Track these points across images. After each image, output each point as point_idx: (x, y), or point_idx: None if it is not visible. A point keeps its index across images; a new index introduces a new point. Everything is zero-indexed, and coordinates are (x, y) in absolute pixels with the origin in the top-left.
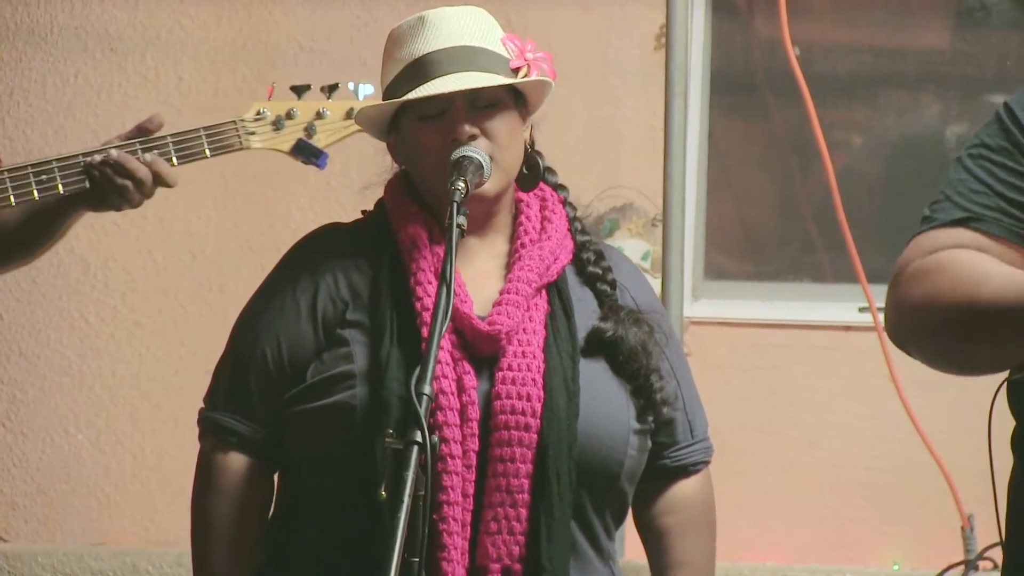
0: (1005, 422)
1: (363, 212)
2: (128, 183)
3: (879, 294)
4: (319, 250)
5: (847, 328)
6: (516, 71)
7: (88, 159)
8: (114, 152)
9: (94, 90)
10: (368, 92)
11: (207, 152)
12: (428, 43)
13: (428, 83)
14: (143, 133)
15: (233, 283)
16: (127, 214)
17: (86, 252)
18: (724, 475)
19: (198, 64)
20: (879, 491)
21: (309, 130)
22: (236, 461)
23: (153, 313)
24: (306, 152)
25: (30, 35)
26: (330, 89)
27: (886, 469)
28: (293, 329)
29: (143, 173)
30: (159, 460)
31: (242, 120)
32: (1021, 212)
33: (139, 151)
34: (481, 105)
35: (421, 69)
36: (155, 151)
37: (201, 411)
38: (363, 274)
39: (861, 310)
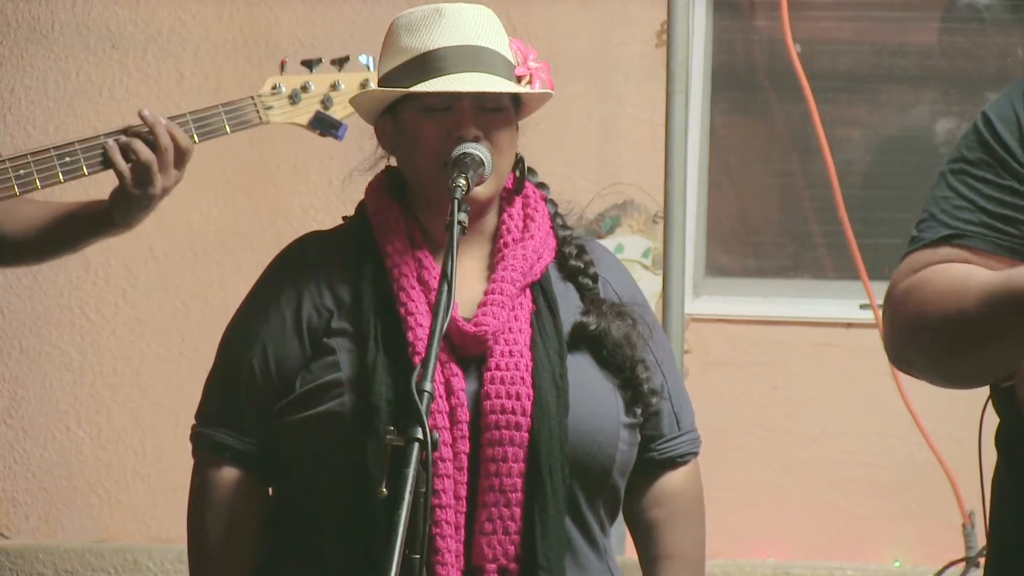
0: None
1: (344, 218)
2: (151, 160)
3: (880, 291)
4: (301, 260)
5: (848, 325)
6: (519, 79)
7: (110, 137)
8: (145, 111)
9: (95, 87)
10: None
11: (227, 128)
12: (445, 37)
13: (444, 77)
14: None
15: (234, 280)
16: None
17: (87, 249)
18: (725, 472)
19: (199, 61)
20: (880, 488)
21: (326, 102)
22: (230, 475)
23: (154, 310)
24: (325, 124)
25: (31, 32)
26: (341, 62)
27: (887, 466)
28: (279, 341)
29: (165, 140)
30: (160, 457)
31: (259, 95)
32: (1005, 225)
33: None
34: (488, 107)
35: (436, 61)
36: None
37: (193, 427)
38: (346, 282)
39: (862, 307)
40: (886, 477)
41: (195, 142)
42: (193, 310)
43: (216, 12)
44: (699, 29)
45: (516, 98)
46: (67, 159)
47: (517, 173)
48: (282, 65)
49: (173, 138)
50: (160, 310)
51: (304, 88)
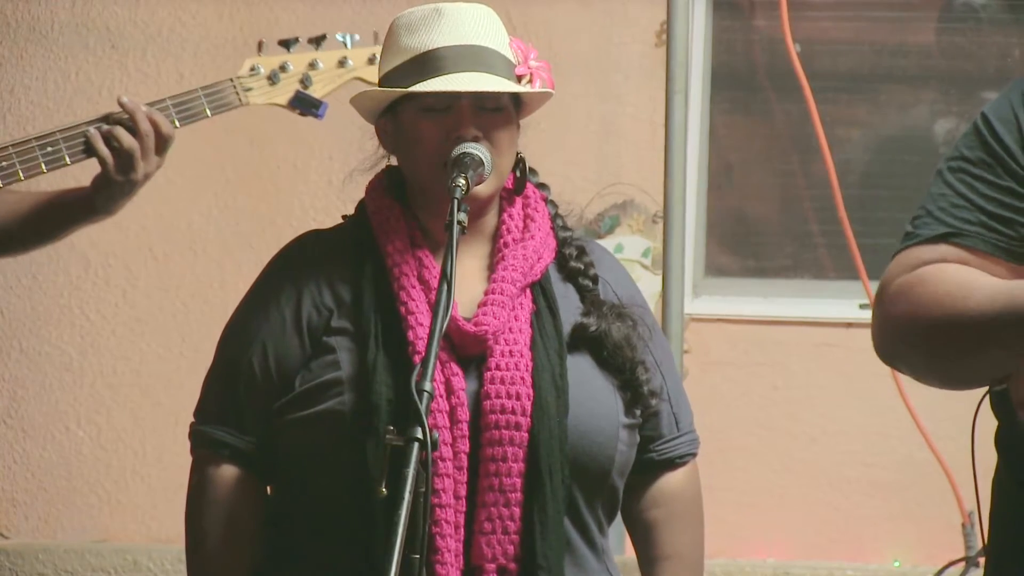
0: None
1: (344, 217)
2: (134, 146)
3: None
4: (301, 259)
5: (848, 325)
6: (519, 78)
7: (91, 126)
8: (124, 98)
9: (95, 87)
10: (356, 40)
11: (208, 111)
12: (444, 36)
13: (443, 77)
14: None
15: (234, 280)
16: (129, 209)
17: (87, 249)
18: (725, 472)
19: (199, 61)
20: (880, 488)
21: (305, 81)
22: (228, 473)
23: (154, 310)
24: (305, 103)
25: (31, 32)
26: (318, 40)
27: (887, 466)
28: (279, 339)
29: (146, 126)
30: (160, 457)
31: (238, 77)
32: (1003, 226)
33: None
34: (487, 107)
35: (435, 61)
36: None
37: (192, 425)
38: (346, 281)
39: (862, 307)
40: (886, 477)
41: (176, 127)
42: (193, 310)
43: (216, 12)
44: (699, 29)
45: (516, 97)
46: (49, 149)
47: (518, 173)
48: (259, 45)
49: (154, 124)
50: (160, 310)
51: (283, 68)
